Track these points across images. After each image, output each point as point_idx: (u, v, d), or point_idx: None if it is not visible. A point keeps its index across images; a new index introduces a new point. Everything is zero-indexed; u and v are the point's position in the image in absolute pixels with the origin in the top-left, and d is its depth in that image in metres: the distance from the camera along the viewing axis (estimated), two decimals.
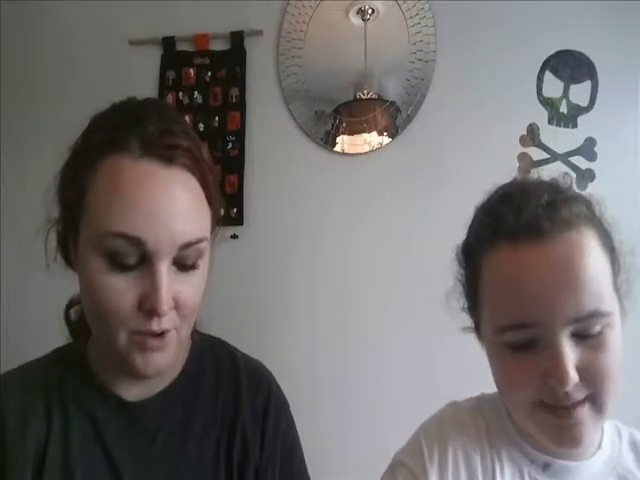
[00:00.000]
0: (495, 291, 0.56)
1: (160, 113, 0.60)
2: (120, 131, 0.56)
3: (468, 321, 0.63)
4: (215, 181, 0.63)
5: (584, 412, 0.52)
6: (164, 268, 0.55)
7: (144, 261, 0.55)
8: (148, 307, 0.55)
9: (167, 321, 0.57)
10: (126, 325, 0.56)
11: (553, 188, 0.57)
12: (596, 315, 0.51)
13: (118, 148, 0.56)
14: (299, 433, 0.74)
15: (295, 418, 0.75)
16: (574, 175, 1.57)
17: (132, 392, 0.65)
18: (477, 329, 0.62)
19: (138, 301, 0.56)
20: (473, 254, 0.60)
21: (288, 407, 0.73)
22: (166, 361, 0.60)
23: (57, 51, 1.76)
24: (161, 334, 0.57)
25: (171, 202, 0.56)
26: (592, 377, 0.51)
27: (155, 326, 0.56)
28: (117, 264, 0.55)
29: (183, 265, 0.58)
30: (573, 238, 0.52)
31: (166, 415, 0.65)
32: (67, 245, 0.62)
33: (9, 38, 1.76)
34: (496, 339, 0.55)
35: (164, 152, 0.56)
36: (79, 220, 0.57)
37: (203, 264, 0.61)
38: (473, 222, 0.61)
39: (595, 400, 0.52)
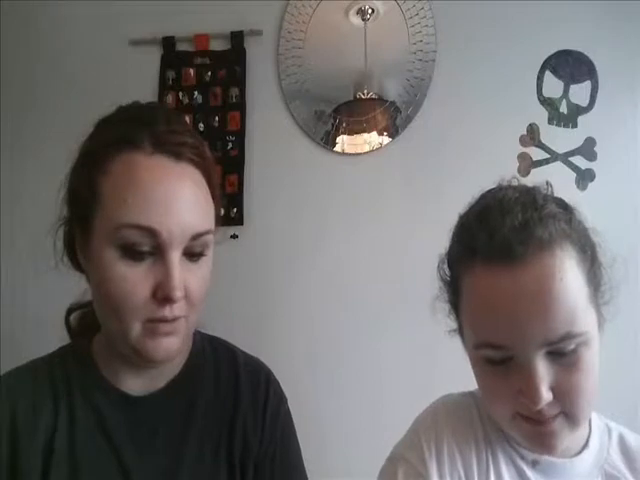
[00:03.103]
0: (472, 310, 0.56)
1: (166, 115, 0.64)
2: (132, 130, 0.60)
3: (454, 326, 0.65)
4: (217, 178, 0.66)
5: (558, 424, 0.53)
6: (176, 257, 0.59)
7: (156, 252, 0.58)
8: (162, 295, 0.58)
9: (178, 308, 0.60)
10: (140, 314, 0.59)
11: (530, 203, 0.55)
12: (568, 337, 0.51)
13: (131, 145, 0.59)
14: (299, 433, 0.75)
15: (295, 418, 0.76)
16: (574, 175, 1.58)
17: (135, 387, 0.67)
18: (461, 334, 0.63)
19: (152, 290, 0.58)
20: (453, 268, 0.61)
21: (286, 401, 0.75)
22: (175, 347, 0.62)
23: (57, 51, 1.76)
24: (172, 320, 0.60)
25: (182, 195, 0.59)
26: (566, 395, 0.52)
27: (168, 312, 0.59)
28: (131, 255, 0.58)
29: (191, 256, 0.61)
30: (545, 261, 0.51)
31: (168, 409, 0.67)
32: (74, 245, 0.64)
33: (9, 38, 1.76)
34: (475, 353, 0.57)
35: (174, 149, 0.60)
36: (92, 215, 0.59)
37: (209, 256, 0.64)
38: (454, 234, 0.62)
39: (568, 415, 0.53)
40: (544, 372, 0.51)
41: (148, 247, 0.58)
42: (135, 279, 0.58)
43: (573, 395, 0.52)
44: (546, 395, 0.51)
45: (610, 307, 0.57)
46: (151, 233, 0.57)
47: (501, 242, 0.52)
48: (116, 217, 0.57)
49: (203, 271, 0.63)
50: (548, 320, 0.50)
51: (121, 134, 0.60)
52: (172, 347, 0.62)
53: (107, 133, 0.61)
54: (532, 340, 0.51)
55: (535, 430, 0.54)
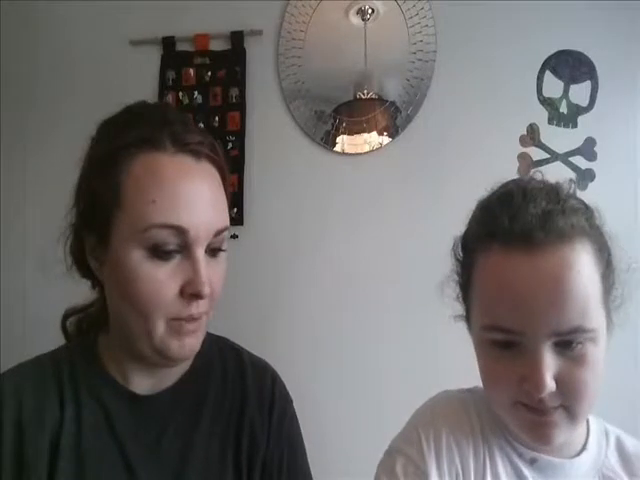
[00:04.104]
0: (484, 291, 0.56)
1: (178, 115, 0.64)
2: (152, 131, 0.60)
3: (460, 310, 0.65)
4: (229, 175, 0.68)
5: (557, 416, 0.53)
6: (202, 254, 0.60)
7: (182, 250, 0.60)
8: (191, 292, 0.59)
9: (203, 305, 0.62)
10: (166, 313, 0.60)
11: (554, 195, 0.56)
12: (578, 331, 0.51)
13: (153, 146, 0.59)
14: (302, 432, 0.75)
15: (297, 417, 0.76)
16: (574, 175, 1.58)
17: (143, 386, 0.67)
18: (467, 319, 0.63)
19: (180, 288, 0.59)
20: (469, 249, 0.61)
21: (291, 401, 0.75)
22: (198, 344, 0.64)
23: (57, 51, 1.76)
24: (197, 318, 0.62)
25: (205, 193, 0.61)
26: (568, 389, 0.52)
27: (194, 310, 0.61)
28: (158, 255, 0.58)
29: (212, 252, 0.63)
30: (564, 252, 0.52)
31: (176, 408, 0.68)
32: (82, 251, 0.64)
33: (9, 38, 1.76)
34: (482, 335, 0.57)
35: (194, 148, 0.61)
36: (112, 217, 0.59)
37: (225, 252, 0.66)
38: (473, 216, 0.62)
39: (569, 409, 0.53)
40: (550, 361, 0.51)
41: (175, 246, 0.59)
42: (163, 278, 0.58)
43: (575, 390, 0.52)
44: (550, 383, 0.51)
45: (620, 313, 0.57)
46: (180, 232, 0.58)
47: (522, 227, 0.52)
48: (145, 218, 0.57)
49: (222, 267, 0.65)
50: (560, 311, 0.51)
51: (141, 135, 0.59)
52: (195, 345, 0.63)
53: (123, 135, 0.60)
54: (542, 328, 0.51)
55: (534, 419, 0.54)
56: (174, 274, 0.59)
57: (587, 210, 0.57)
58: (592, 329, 0.52)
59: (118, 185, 0.58)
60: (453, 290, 0.65)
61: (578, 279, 0.51)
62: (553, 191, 0.56)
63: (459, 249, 0.64)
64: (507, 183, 0.60)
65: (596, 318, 0.52)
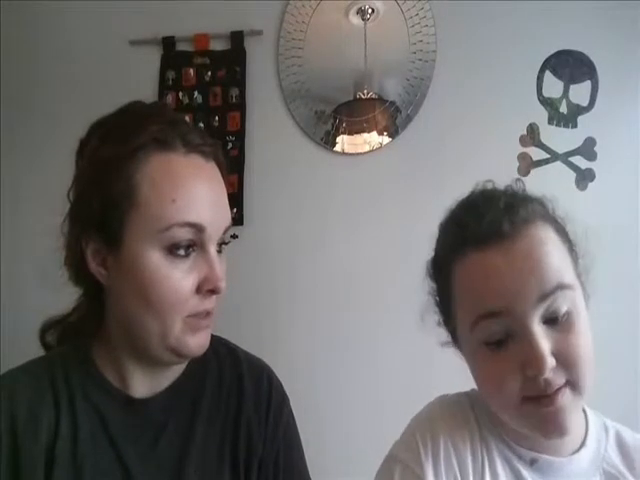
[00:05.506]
0: (465, 291, 0.58)
1: (179, 115, 0.66)
2: (164, 131, 0.60)
3: (445, 336, 0.66)
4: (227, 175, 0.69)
5: (566, 397, 0.54)
6: (215, 251, 0.62)
7: (197, 247, 0.61)
8: (209, 287, 0.61)
9: (215, 300, 0.64)
10: (183, 311, 0.61)
11: (510, 192, 0.61)
12: (561, 287, 0.54)
13: (166, 146, 0.60)
14: (299, 432, 0.75)
15: (295, 418, 0.75)
16: (574, 175, 1.58)
17: (139, 388, 0.67)
18: (455, 341, 0.64)
19: (196, 285, 0.61)
20: (443, 264, 0.62)
21: (288, 400, 0.75)
22: (209, 340, 0.66)
23: (57, 51, 1.76)
24: (210, 314, 0.63)
25: (216, 191, 0.63)
26: (567, 359, 0.53)
27: (209, 305, 0.63)
28: (176, 254, 0.59)
29: (218, 246, 0.64)
30: (532, 232, 0.56)
31: (172, 411, 0.67)
32: (81, 256, 0.62)
33: (9, 38, 1.76)
34: (472, 337, 0.57)
35: (202, 148, 0.63)
36: (125, 219, 0.59)
37: (226, 245, 0.67)
38: (439, 236, 0.65)
39: (574, 384, 0.54)
40: (544, 338, 0.53)
41: (190, 243, 0.60)
42: (180, 277, 0.60)
43: (574, 358, 0.54)
44: (550, 359, 0.52)
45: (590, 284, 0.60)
46: (199, 229, 0.60)
47: (490, 223, 0.56)
48: (166, 217, 0.58)
49: (224, 261, 0.66)
50: (540, 273, 0.53)
51: (153, 136, 0.60)
52: (208, 341, 0.65)
53: (135, 136, 0.60)
54: (526, 297, 0.53)
55: (545, 412, 0.54)
56: (190, 272, 0.60)
57: (540, 199, 0.62)
58: (571, 285, 0.55)
59: (133, 186, 0.58)
60: (433, 317, 0.66)
61: (549, 249, 0.55)
62: (509, 189, 0.62)
63: (433, 270, 0.66)
64: (464, 198, 0.64)
65: (572, 278, 0.56)
